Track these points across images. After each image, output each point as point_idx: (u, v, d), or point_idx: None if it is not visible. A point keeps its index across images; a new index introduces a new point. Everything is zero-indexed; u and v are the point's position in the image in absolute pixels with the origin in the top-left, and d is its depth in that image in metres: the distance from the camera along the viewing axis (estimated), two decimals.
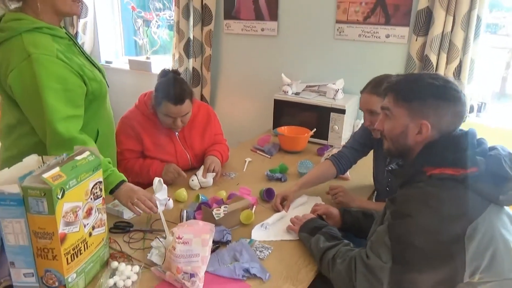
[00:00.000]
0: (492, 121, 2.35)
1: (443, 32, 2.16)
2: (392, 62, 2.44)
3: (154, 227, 1.45)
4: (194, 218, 1.49)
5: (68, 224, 1.02)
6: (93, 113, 1.53)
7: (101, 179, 1.16)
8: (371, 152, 1.81)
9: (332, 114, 2.36)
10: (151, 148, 1.86)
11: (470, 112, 2.31)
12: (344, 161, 1.78)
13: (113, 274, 1.17)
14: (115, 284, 1.13)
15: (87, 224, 1.10)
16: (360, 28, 2.48)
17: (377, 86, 1.47)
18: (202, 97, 3.24)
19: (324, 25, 2.61)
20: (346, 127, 2.36)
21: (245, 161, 2.14)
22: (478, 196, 1.00)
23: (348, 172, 1.93)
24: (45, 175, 0.97)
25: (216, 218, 1.41)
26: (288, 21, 2.76)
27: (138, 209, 1.39)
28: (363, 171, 1.94)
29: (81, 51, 1.53)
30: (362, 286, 1.06)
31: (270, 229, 1.47)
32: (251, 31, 2.92)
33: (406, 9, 2.32)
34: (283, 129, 2.38)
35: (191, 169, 1.93)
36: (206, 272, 1.19)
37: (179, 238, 1.11)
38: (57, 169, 1.01)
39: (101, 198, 1.17)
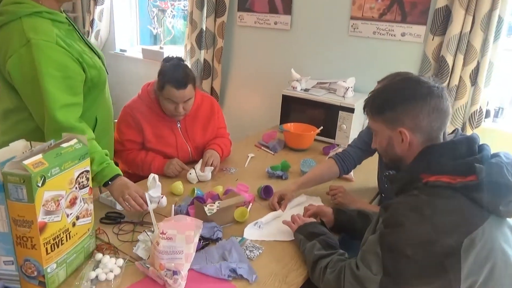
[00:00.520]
0: (509, 126, 2.24)
1: (461, 32, 2.06)
2: (406, 61, 2.35)
3: (145, 220, 1.43)
4: (187, 212, 1.46)
5: (48, 213, 0.99)
6: (92, 100, 1.51)
7: (88, 168, 1.13)
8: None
9: (340, 112, 2.28)
10: (151, 139, 1.83)
11: (486, 117, 2.20)
12: (348, 160, 1.72)
13: (96, 266, 1.15)
14: (97, 276, 1.11)
15: (71, 214, 1.08)
16: (375, 25, 2.40)
17: None
18: (212, 90, 3.20)
19: (338, 21, 2.53)
20: (355, 126, 2.28)
21: (248, 156, 2.10)
22: (477, 206, 0.93)
23: (352, 173, 1.86)
24: (26, 162, 0.94)
25: (208, 214, 1.37)
26: (302, 15, 2.69)
27: (128, 205, 1.37)
28: (368, 172, 1.87)
29: (81, 37, 1.50)
30: None
31: (264, 229, 1.42)
32: (264, 24, 2.86)
33: (424, 7, 2.22)
34: (289, 126, 2.32)
35: (192, 162, 1.89)
36: (191, 269, 1.15)
37: (162, 233, 1.07)
38: (39, 156, 0.98)
39: (88, 187, 1.14)
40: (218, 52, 3.05)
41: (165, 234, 1.07)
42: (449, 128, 1.08)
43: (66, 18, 1.44)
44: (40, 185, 0.95)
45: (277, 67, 2.89)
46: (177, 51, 3.68)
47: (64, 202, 1.04)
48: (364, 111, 1.16)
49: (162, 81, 1.73)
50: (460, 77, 2.13)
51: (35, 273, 1.02)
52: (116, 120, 1.85)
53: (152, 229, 1.28)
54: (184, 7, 3.68)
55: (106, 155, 1.44)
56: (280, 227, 1.41)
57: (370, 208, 1.55)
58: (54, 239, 1.03)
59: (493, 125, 2.24)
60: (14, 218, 0.98)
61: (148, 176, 1.44)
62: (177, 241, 1.07)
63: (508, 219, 0.98)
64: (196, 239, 1.12)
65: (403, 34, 2.32)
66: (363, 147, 1.73)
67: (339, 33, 2.55)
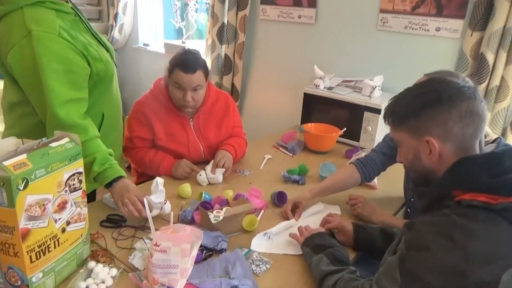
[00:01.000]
0: None
1: (504, 26, 1.85)
2: (440, 59, 2.15)
3: (148, 225, 1.33)
4: (192, 218, 1.35)
5: (32, 218, 0.91)
6: (98, 95, 1.44)
7: (80, 170, 1.04)
8: None
9: (366, 113, 2.12)
10: (162, 137, 1.74)
11: None
12: (370, 166, 1.56)
13: (88, 275, 1.06)
14: (87, 287, 1.02)
15: (59, 219, 0.99)
16: (407, 19, 2.21)
17: None
18: (233, 86, 3.10)
19: (367, 14, 2.36)
20: (381, 128, 2.11)
21: (264, 158, 1.98)
22: None
23: (375, 180, 1.71)
24: (6, 162, 0.86)
25: (214, 222, 1.26)
26: (328, 9, 2.53)
27: (126, 209, 1.28)
28: (393, 180, 1.71)
29: (88, 28, 1.43)
30: None
31: (274, 240, 1.30)
32: (287, 18, 2.72)
33: None
34: (310, 126, 2.18)
35: (204, 162, 1.79)
36: (189, 284, 1.05)
37: (156, 245, 0.97)
38: (23, 156, 0.90)
39: (81, 190, 1.06)
40: (240, 47, 2.94)
41: (158, 246, 0.97)
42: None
43: (71, 8, 1.37)
44: (21, 188, 0.87)
45: (300, 63, 2.74)
46: (199, 45, 3.59)
47: (51, 206, 0.96)
48: (384, 121, 1.02)
49: (171, 65, 1.67)
50: (502, 77, 1.92)
51: (19, 282, 0.95)
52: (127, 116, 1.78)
53: (151, 237, 1.19)
54: (207, 0, 3.58)
55: (110, 154, 1.36)
56: (291, 239, 1.28)
57: (393, 221, 1.40)
58: (39, 246, 0.95)
59: None
60: None
61: (157, 176, 1.36)
62: (172, 254, 0.97)
63: None
64: (194, 252, 1.01)
65: (437, 29, 2.12)
66: (388, 152, 1.57)
67: (367, 27, 2.38)
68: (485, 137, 0.98)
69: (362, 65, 2.45)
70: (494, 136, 0.96)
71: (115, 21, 3.84)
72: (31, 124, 1.40)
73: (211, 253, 1.20)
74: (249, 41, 2.97)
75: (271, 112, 3.05)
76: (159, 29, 4.07)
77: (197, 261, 1.12)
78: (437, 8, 2.10)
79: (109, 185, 1.33)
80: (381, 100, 2.14)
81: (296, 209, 1.45)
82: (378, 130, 2.11)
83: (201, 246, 1.13)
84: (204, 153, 1.83)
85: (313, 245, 1.15)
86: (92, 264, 1.09)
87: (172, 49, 3.55)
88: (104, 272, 1.06)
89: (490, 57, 1.91)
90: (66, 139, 1.02)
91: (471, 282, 0.76)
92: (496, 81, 1.93)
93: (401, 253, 0.86)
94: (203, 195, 1.48)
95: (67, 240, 1.03)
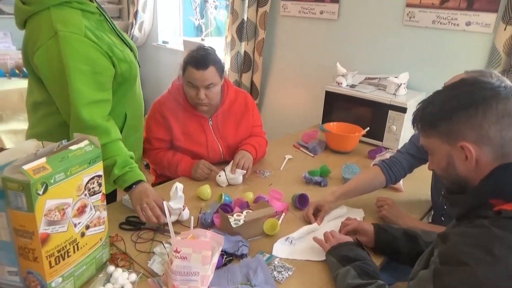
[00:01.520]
0: None
1: None
2: (471, 55, 2.05)
3: (167, 228, 1.31)
4: (212, 221, 1.33)
5: (52, 223, 0.90)
6: (122, 96, 1.43)
7: (100, 173, 1.02)
8: None
9: (390, 112, 2.05)
10: (180, 137, 1.72)
11: None
12: (396, 168, 1.50)
13: (107, 280, 1.05)
14: None
15: (79, 223, 0.98)
16: (435, 13, 2.12)
17: None
18: (252, 84, 3.05)
19: (392, 9, 2.27)
20: (406, 128, 2.04)
21: (284, 158, 1.93)
22: None
23: (401, 182, 1.64)
24: (26, 167, 0.84)
25: (234, 226, 1.23)
26: (351, 3, 2.45)
27: (144, 214, 1.26)
28: (419, 182, 1.65)
29: (113, 28, 1.41)
30: None
31: (296, 245, 1.26)
32: (309, 14, 2.65)
33: None
34: (332, 126, 2.13)
35: (223, 163, 1.76)
36: None
37: (176, 251, 0.94)
38: (43, 160, 0.88)
39: (100, 193, 1.04)
40: (260, 44, 2.89)
41: (179, 252, 0.94)
42: None
43: (97, 7, 1.35)
44: (41, 193, 0.85)
45: (322, 60, 2.67)
46: (218, 43, 3.56)
47: (70, 211, 0.94)
48: (413, 127, 0.95)
49: (184, 64, 1.66)
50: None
51: (39, 287, 0.93)
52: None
53: (171, 241, 1.16)
54: None
55: (131, 157, 1.35)
56: (314, 244, 1.23)
57: (419, 227, 1.33)
58: (59, 251, 0.93)
59: None
60: (15, 228, 0.89)
61: (176, 177, 1.33)
62: (192, 261, 0.94)
63: None
64: (215, 259, 0.98)
65: (468, 24, 2.02)
66: (414, 153, 1.51)
67: (392, 22, 2.29)
68: None
69: (387, 62, 2.36)
70: None
71: (135, 19, 3.86)
72: (54, 124, 1.40)
73: (231, 258, 1.17)
74: (269, 38, 2.92)
75: (291, 111, 3.00)
76: (178, 26, 4.06)
77: (218, 267, 1.09)
78: (468, 1, 2.00)
79: (128, 189, 1.32)
80: (406, 99, 2.06)
81: (318, 213, 1.41)
82: (403, 130, 2.04)
83: (221, 251, 1.09)
84: (223, 153, 1.80)
85: (340, 255, 1.10)
86: (111, 268, 1.07)
87: (191, 47, 3.51)
88: (123, 277, 1.04)
89: None
90: (86, 142, 1.00)
91: None
92: None
93: (435, 267, 0.80)
94: (223, 197, 1.45)
95: (86, 244, 1.02)
